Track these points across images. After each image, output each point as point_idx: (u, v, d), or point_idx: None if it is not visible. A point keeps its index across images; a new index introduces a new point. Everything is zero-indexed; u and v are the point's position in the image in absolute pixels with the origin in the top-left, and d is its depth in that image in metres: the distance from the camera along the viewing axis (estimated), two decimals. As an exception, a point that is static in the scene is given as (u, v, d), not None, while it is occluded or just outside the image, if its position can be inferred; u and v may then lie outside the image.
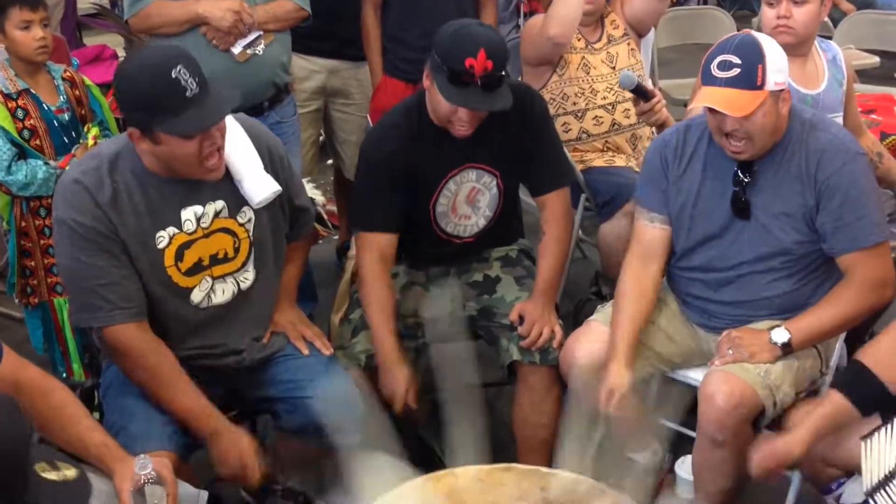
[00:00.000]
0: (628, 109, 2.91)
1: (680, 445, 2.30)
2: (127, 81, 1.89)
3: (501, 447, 2.35)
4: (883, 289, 2.05)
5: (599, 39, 2.95)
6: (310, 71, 3.18)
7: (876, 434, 1.80)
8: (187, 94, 1.81)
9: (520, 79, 3.06)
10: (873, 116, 3.15)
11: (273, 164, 2.10)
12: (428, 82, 2.19)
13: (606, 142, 2.95)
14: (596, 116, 2.92)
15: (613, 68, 2.93)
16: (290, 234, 2.22)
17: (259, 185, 2.05)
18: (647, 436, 2.39)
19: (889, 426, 1.79)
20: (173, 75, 1.80)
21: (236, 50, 2.56)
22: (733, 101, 1.95)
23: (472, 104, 2.12)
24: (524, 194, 2.61)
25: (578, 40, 2.91)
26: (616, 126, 2.93)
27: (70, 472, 1.46)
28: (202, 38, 2.57)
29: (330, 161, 3.75)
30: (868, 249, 2.02)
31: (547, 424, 2.31)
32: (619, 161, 2.92)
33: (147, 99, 1.82)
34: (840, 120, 2.53)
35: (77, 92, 2.71)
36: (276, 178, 2.07)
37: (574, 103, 2.90)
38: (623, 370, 2.09)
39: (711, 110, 1.99)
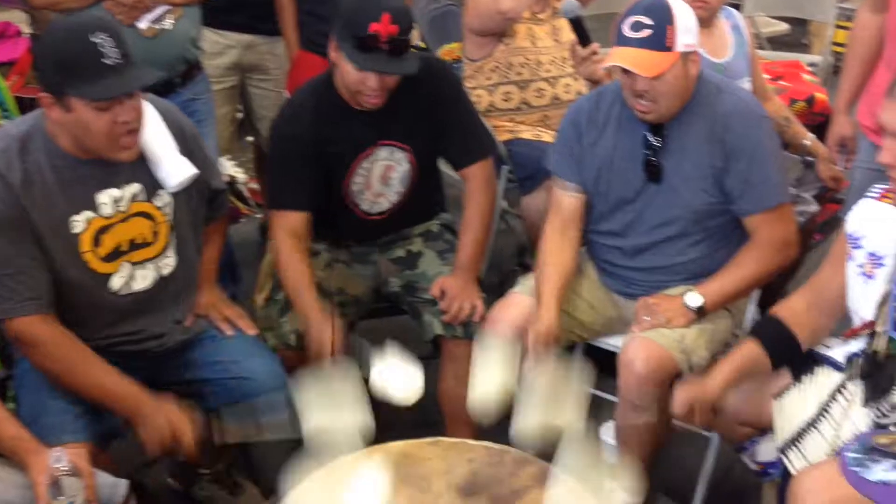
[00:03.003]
0: (569, 85, 2.94)
1: (603, 411, 2.36)
2: (44, 41, 1.85)
3: (430, 422, 2.37)
4: (786, 248, 2.13)
5: (544, 11, 2.96)
6: (223, 46, 3.10)
7: (787, 392, 1.88)
8: (106, 61, 1.76)
9: (462, 45, 3.05)
10: (782, 83, 3.22)
11: (188, 146, 2.06)
12: (335, 53, 2.17)
13: (545, 115, 2.97)
14: (539, 89, 2.94)
15: (557, 41, 2.95)
16: (207, 215, 2.18)
17: (175, 169, 2.00)
18: (569, 401, 2.44)
19: (799, 384, 1.87)
20: (92, 39, 1.76)
21: (142, 25, 2.48)
22: (644, 61, 1.99)
23: (380, 68, 2.11)
24: (443, 164, 2.61)
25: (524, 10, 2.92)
26: (556, 100, 2.96)
27: None
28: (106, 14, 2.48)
29: (250, 138, 3.69)
30: (772, 211, 2.09)
31: (472, 397, 2.33)
32: (546, 137, 2.94)
33: (62, 60, 1.77)
34: (749, 85, 2.59)
35: (-27, 74, 2.60)
36: (192, 160, 2.03)
37: (518, 73, 2.91)
38: (552, 315, 2.12)
39: (624, 70, 2.03)
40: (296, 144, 2.26)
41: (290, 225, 2.28)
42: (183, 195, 2.04)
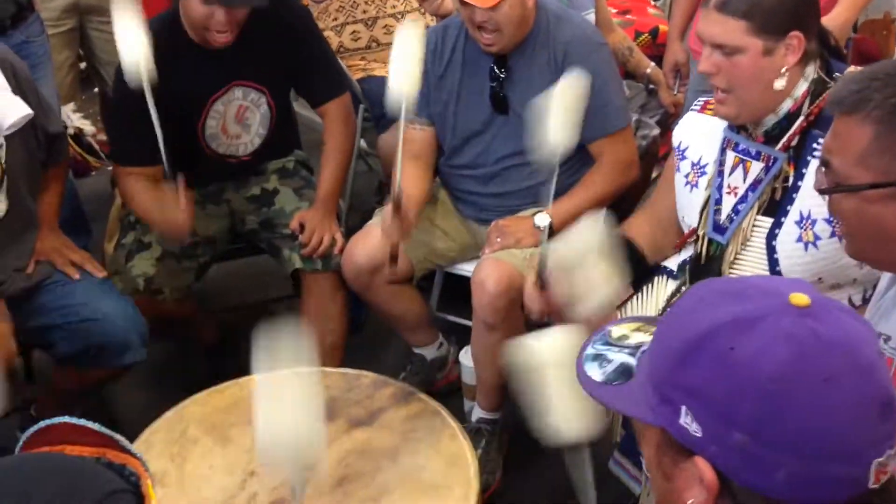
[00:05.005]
0: (416, 21, 2.94)
1: (462, 336, 2.42)
2: None
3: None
4: (629, 169, 2.22)
5: None
6: (57, -14, 2.94)
7: (628, 302, 1.97)
8: None
9: None
10: (628, 17, 3.32)
11: (20, 87, 1.95)
12: None
13: None
14: (386, 25, 2.94)
15: None
16: (45, 160, 2.09)
17: (8, 109, 1.88)
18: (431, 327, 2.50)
19: (639, 294, 1.96)
20: None
21: (-37, -37, 2.34)
22: None
23: (227, 1, 2.05)
24: (303, 108, 2.58)
25: None
26: None
27: None
28: None
29: (97, 89, 3.53)
30: (614, 135, 2.17)
31: (334, 329, 2.34)
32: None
33: None
34: (592, 16, 2.67)
35: None
36: (26, 101, 1.92)
37: (364, 11, 2.92)
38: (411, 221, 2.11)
39: (463, 3, 2.06)
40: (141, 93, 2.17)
41: (138, 174, 2.24)
42: (17, 138, 1.93)
